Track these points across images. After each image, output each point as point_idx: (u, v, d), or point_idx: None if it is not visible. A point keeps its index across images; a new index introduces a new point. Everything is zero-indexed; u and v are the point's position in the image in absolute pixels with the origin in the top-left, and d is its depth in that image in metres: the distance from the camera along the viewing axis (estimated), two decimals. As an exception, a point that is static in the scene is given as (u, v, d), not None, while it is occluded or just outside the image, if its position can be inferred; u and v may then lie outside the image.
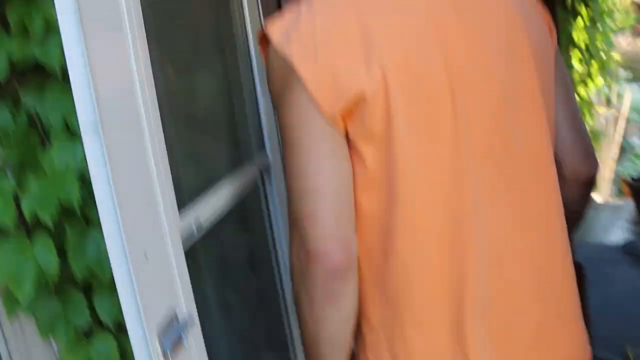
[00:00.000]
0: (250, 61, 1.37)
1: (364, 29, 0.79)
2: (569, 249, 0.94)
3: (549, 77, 0.93)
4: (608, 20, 6.37)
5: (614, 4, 6.79)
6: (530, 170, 0.89)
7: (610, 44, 6.48)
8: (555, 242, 0.92)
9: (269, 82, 0.86)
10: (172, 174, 0.83)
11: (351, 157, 0.82)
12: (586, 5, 5.41)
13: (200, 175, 1.15)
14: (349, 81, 0.78)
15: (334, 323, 0.83)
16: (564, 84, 1.00)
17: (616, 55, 7.74)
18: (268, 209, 1.43)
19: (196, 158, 1.17)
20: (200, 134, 1.22)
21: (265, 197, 1.43)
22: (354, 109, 0.78)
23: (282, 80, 0.81)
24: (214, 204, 1.04)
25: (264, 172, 1.40)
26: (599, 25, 5.95)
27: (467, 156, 0.83)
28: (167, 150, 0.81)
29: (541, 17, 0.96)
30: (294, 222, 0.82)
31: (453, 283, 0.84)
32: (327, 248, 0.77)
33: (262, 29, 0.84)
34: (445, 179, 0.82)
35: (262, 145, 1.40)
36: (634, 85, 9.51)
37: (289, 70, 0.79)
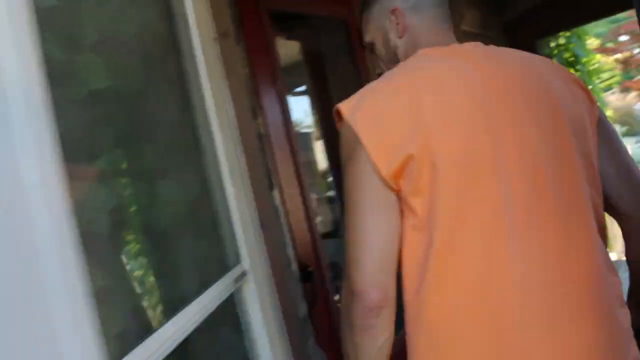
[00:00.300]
0: (221, 174, 1.25)
1: (416, 104, 0.95)
2: (615, 302, 1.00)
3: (587, 140, 1.04)
4: (596, 80, 6.42)
5: (599, 63, 6.88)
6: (570, 224, 0.98)
7: (602, 102, 6.54)
8: (600, 292, 0.98)
9: (340, 152, 1.02)
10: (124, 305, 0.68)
11: (404, 209, 0.95)
12: (573, 68, 5.47)
13: (152, 308, 1.00)
14: (401, 145, 0.93)
15: (370, 350, 0.96)
16: (611, 146, 1.10)
17: (609, 112, 7.81)
18: (242, 318, 1.28)
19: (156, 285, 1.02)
20: (163, 258, 1.08)
21: (240, 302, 1.28)
22: (405, 167, 0.93)
23: (350, 148, 0.97)
24: (163, 343, 0.87)
25: (240, 281, 1.25)
26: (588, 85, 5.99)
27: (507, 211, 0.94)
28: (122, 273, 0.67)
29: (581, 90, 1.08)
30: (345, 268, 0.97)
31: (492, 333, 0.92)
32: (366, 289, 0.93)
33: (337, 106, 1.01)
34: (482, 232, 0.93)
35: (237, 259, 1.26)
36: (630, 139, 9.56)
37: (355, 139, 0.95)
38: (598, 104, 1.10)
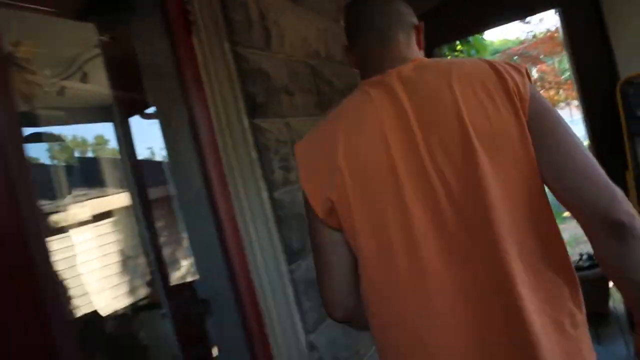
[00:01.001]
0: None
1: (333, 149, 1.07)
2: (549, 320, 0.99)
3: (513, 151, 1.00)
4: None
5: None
6: (474, 233, 1.00)
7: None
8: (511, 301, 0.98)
9: None
10: None
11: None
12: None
13: None
14: (324, 191, 1.07)
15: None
16: (550, 143, 1.01)
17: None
18: None
19: None
20: None
21: None
22: (332, 210, 1.08)
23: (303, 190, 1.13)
24: None
25: None
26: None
27: (414, 247, 1.02)
28: None
29: (504, 97, 1.01)
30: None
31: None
32: (330, 312, 1.17)
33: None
34: (392, 244, 1.04)
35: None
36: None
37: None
38: (531, 98, 1.02)
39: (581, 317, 1.02)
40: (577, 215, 0.99)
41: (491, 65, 1.05)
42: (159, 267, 1.99)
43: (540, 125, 1.00)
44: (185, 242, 1.99)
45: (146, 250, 2.48)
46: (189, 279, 1.95)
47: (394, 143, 1.03)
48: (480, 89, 1.01)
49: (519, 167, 0.99)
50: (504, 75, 1.02)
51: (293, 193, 1.88)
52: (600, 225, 0.95)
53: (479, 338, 0.98)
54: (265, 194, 1.77)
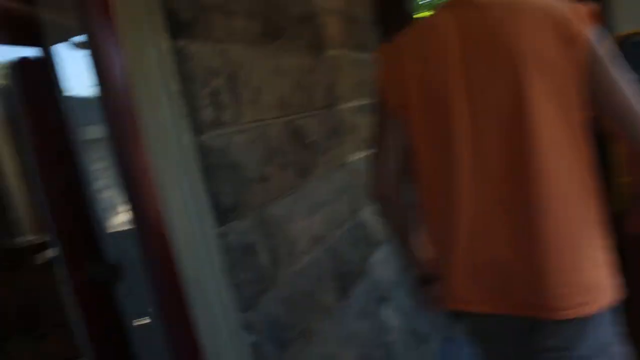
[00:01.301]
0: None
1: (402, 61, 1.28)
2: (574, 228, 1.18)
3: (562, 82, 1.14)
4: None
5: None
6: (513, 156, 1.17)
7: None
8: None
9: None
10: None
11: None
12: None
13: None
14: (397, 95, 1.29)
15: (389, 226, 1.42)
16: (608, 86, 1.15)
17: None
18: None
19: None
20: None
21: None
22: (401, 108, 1.29)
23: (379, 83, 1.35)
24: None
25: None
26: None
27: (456, 147, 1.21)
28: None
29: (558, 39, 1.13)
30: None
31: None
32: (373, 183, 1.36)
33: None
34: (440, 146, 1.24)
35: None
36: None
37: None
38: (588, 45, 1.13)
39: (604, 257, 1.19)
40: (620, 138, 1.20)
41: (561, 5, 1.15)
42: (61, 222, 1.61)
43: (599, 68, 1.13)
44: (102, 195, 1.63)
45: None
46: (99, 238, 1.57)
47: (451, 62, 1.20)
48: (545, 25, 1.14)
49: (564, 98, 1.14)
50: (570, 17, 1.13)
51: (225, 138, 1.50)
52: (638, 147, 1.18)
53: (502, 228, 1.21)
54: (187, 137, 1.39)
